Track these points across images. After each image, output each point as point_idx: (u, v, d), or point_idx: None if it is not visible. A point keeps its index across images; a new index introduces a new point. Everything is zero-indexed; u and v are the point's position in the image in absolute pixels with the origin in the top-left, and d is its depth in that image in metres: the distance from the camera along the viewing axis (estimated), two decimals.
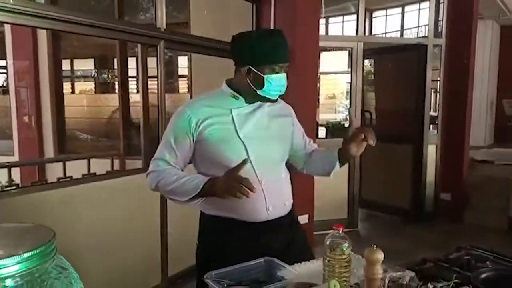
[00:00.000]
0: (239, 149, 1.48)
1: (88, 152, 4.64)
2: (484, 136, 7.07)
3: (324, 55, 8.32)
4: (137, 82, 2.83)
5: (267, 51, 1.45)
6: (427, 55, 4.72)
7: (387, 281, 1.11)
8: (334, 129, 6.97)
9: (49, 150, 4.59)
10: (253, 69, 1.46)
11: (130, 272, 2.81)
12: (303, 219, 3.80)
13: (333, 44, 4.87)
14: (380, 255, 1.06)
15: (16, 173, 4.11)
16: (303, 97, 3.68)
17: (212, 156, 1.49)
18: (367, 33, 8.16)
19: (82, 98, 5.70)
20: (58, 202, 2.44)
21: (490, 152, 6.10)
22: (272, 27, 3.75)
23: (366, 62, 5.85)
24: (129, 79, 4.53)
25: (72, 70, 5.65)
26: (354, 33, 4.63)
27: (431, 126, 5.16)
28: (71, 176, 2.81)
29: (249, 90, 1.50)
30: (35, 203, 2.36)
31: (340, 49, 5.42)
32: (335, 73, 7.98)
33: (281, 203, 1.57)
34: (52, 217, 2.38)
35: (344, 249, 1.07)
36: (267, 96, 1.50)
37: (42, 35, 4.46)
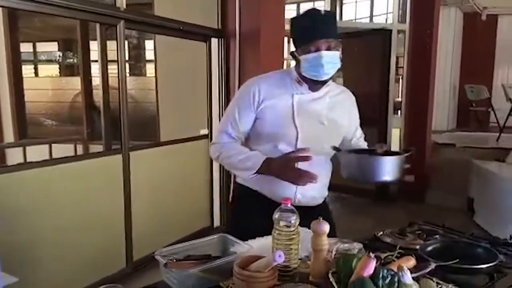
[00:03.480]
0: (291, 135, 1.50)
1: (52, 137, 4.51)
2: (447, 120, 7.30)
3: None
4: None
5: (299, 31, 1.44)
6: (391, 40, 4.80)
7: (334, 253, 1.13)
8: None
9: (9, 135, 4.42)
10: (294, 53, 1.46)
11: (94, 256, 2.78)
12: None
13: None
14: (326, 227, 1.09)
15: None
16: None
17: (265, 134, 1.52)
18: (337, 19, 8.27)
19: (45, 82, 5.50)
20: (16, 186, 2.37)
21: (452, 135, 6.32)
22: (237, 8, 3.71)
23: None
24: (93, 62, 4.42)
25: (35, 52, 5.44)
26: None
27: (398, 111, 5.28)
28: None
29: (301, 75, 1.49)
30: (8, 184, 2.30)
31: None
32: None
33: (311, 195, 1.59)
34: (11, 201, 2.31)
35: (292, 221, 1.09)
36: (313, 77, 1.45)
37: None
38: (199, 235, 3.71)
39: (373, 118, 5.16)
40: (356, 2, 11.12)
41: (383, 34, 4.85)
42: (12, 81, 4.40)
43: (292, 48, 1.52)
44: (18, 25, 4.44)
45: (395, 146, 5.19)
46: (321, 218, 1.12)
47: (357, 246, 1.24)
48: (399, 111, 5.22)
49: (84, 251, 2.72)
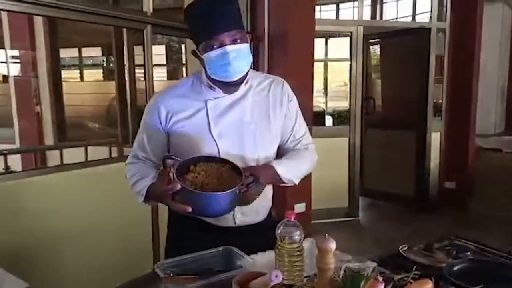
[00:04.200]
0: (211, 149, 1.29)
1: (92, 140, 4.66)
2: (494, 123, 6.87)
3: (333, 41, 8.16)
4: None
5: (196, 24, 1.20)
6: (430, 39, 4.57)
7: (342, 272, 1.05)
8: (338, 117, 6.90)
9: (50, 138, 4.61)
10: (196, 51, 1.25)
11: (122, 258, 2.82)
12: (299, 207, 3.76)
13: (331, 29, 4.75)
14: (332, 245, 1.01)
15: (18, 160, 4.16)
16: (297, 85, 3.59)
17: (184, 152, 1.27)
18: (378, 18, 8.00)
19: (86, 86, 5.71)
20: (48, 188, 2.45)
21: (499, 140, 5.94)
22: (266, 11, 3.66)
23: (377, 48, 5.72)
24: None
25: (80, 58, 5.66)
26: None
27: (439, 113, 5.02)
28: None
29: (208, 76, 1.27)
30: (29, 188, 2.38)
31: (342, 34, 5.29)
32: (339, 60, 7.82)
33: (254, 210, 1.37)
34: (42, 203, 2.40)
35: (296, 237, 1.02)
36: (223, 79, 1.24)
37: (39, 24, 4.44)
38: None
39: (411, 121, 4.94)
40: (397, 0, 10.77)
41: (421, 33, 4.63)
42: (52, 85, 4.59)
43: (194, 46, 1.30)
44: (57, 31, 4.63)
45: (435, 150, 4.93)
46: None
47: (370, 265, 1.14)
48: (440, 113, 4.96)
49: (111, 253, 2.76)
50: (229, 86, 1.29)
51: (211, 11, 1.18)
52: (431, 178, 4.91)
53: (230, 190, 1.10)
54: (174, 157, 1.21)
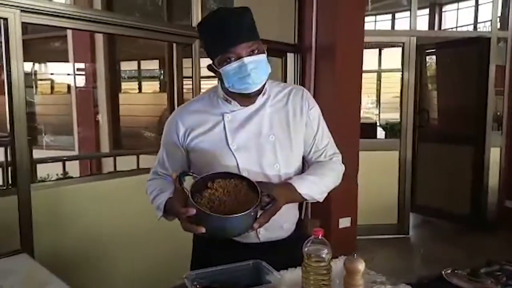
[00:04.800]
0: (229, 162, 1.27)
1: (144, 149, 4.87)
2: None
3: (387, 52, 7.96)
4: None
5: (210, 39, 1.19)
6: (490, 49, 4.31)
7: None
8: (391, 129, 6.68)
9: (105, 146, 4.89)
10: (212, 65, 1.24)
11: (166, 265, 2.89)
12: (344, 222, 3.66)
13: (382, 40, 4.63)
14: (360, 265, 0.97)
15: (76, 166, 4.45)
16: (344, 97, 3.55)
17: (203, 167, 1.28)
18: (436, 27, 7.68)
19: (146, 97, 6.00)
20: (101, 193, 2.59)
21: None
22: (314, 22, 3.65)
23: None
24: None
25: (139, 70, 5.98)
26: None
27: (499, 127, 4.71)
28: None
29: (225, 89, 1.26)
30: (84, 193, 2.52)
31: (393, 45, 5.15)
32: (392, 71, 7.59)
33: (277, 225, 1.31)
34: (94, 208, 2.54)
35: (324, 255, 1.00)
36: (241, 91, 1.22)
37: (99, 39, 4.75)
38: None
39: (468, 135, 4.67)
40: (457, 9, 10.30)
41: (481, 43, 4.38)
42: (109, 96, 4.88)
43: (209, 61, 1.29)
44: (116, 45, 4.91)
45: (494, 166, 4.61)
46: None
47: None
48: (500, 127, 4.65)
49: (157, 261, 2.84)
50: (246, 98, 1.27)
51: (225, 24, 1.16)
52: (489, 196, 4.59)
53: (245, 213, 1.07)
54: (191, 174, 1.22)
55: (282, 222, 1.34)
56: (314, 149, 1.38)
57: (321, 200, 1.33)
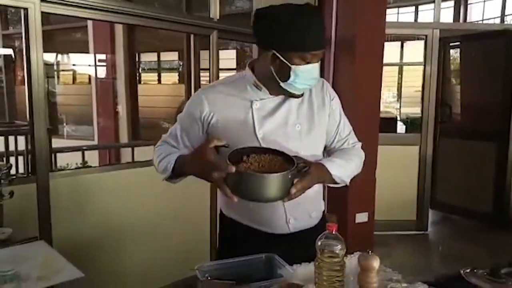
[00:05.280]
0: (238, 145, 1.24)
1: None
2: None
3: (409, 44, 7.78)
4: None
5: (296, 35, 1.17)
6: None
7: None
8: (411, 124, 6.56)
9: (124, 136, 4.94)
10: (279, 56, 1.19)
11: (178, 256, 2.91)
12: (361, 217, 3.61)
13: (404, 32, 4.51)
14: (375, 262, 0.95)
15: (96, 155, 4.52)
16: (364, 91, 3.48)
17: (223, 151, 1.23)
18: (461, 20, 7.45)
19: (165, 88, 6.04)
20: (119, 183, 2.62)
21: None
22: (334, 14, 3.58)
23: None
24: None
25: (159, 61, 6.01)
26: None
27: None
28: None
29: (271, 80, 1.24)
30: (102, 183, 2.56)
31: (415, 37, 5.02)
32: (414, 64, 7.41)
33: (306, 214, 1.36)
34: (111, 197, 2.57)
35: (337, 251, 0.97)
36: (291, 91, 1.24)
37: (119, 30, 4.78)
38: None
39: (492, 131, 4.53)
40: (484, 1, 9.98)
41: (508, 36, 4.23)
42: (129, 87, 4.92)
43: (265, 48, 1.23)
44: (135, 37, 4.94)
45: None
46: None
47: (419, 287, 1.06)
48: None
49: (170, 250, 2.87)
50: (279, 89, 1.26)
51: (312, 25, 1.18)
52: None
53: (283, 173, 1.08)
54: (226, 146, 1.19)
55: (311, 211, 1.37)
56: (338, 138, 1.42)
57: (348, 183, 1.37)
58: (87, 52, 5.21)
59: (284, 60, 1.19)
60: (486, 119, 4.67)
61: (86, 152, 3.97)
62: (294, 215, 1.32)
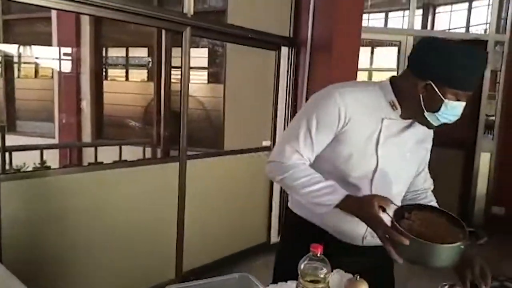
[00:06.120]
0: (368, 166, 1.28)
1: (129, 139, 4.70)
2: None
3: (380, 50, 7.87)
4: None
5: (463, 74, 1.18)
6: (487, 51, 4.25)
7: None
8: None
9: (87, 135, 4.69)
10: (434, 87, 1.19)
11: (142, 263, 2.76)
12: None
13: (379, 37, 4.53)
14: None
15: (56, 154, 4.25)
16: None
17: (337, 158, 1.28)
18: (429, 28, 7.59)
19: (133, 85, 5.78)
20: (79, 186, 2.42)
21: None
22: (310, 16, 3.52)
23: None
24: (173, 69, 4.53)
25: (127, 57, 5.75)
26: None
27: (490, 132, 4.67)
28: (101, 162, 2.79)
29: (413, 105, 1.24)
30: (60, 186, 2.35)
31: (390, 43, 5.05)
32: (385, 70, 7.50)
33: None
34: (72, 201, 2.37)
35: (321, 275, 0.87)
36: (432, 121, 1.25)
37: (85, 23, 4.54)
38: (255, 251, 3.53)
39: (459, 139, 4.60)
40: (451, 11, 10.27)
41: (476, 45, 4.31)
42: (93, 83, 4.68)
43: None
44: (102, 30, 4.71)
45: (484, 171, 4.57)
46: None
47: None
48: (492, 132, 4.60)
49: (132, 257, 2.70)
50: (419, 121, 1.29)
51: (478, 70, 1.20)
52: (477, 202, 4.55)
53: (457, 244, 1.06)
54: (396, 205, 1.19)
55: None
56: (423, 174, 1.47)
57: None
58: (50, 45, 4.92)
59: (439, 93, 1.19)
60: (454, 127, 4.72)
61: (45, 151, 3.72)
62: (372, 233, 1.25)
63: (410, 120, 1.31)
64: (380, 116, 1.27)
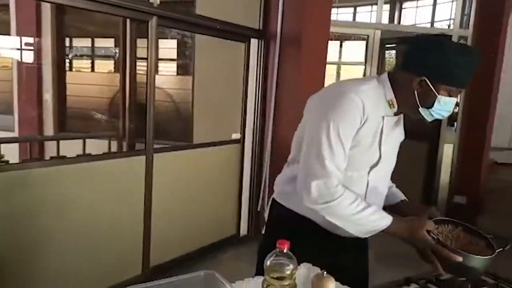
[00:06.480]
0: (369, 162, 1.33)
1: (94, 132, 4.55)
2: (509, 136, 6.63)
3: (348, 44, 7.95)
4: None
5: (458, 71, 1.21)
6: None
7: None
8: None
9: (50, 128, 4.51)
10: (429, 83, 1.22)
11: (108, 260, 2.68)
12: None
13: (347, 31, 4.56)
14: (330, 284, 0.85)
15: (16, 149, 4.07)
16: (308, 87, 3.44)
17: (347, 160, 1.30)
18: (395, 23, 7.73)
19: (99, 77, 5.59)
20: (40, 181, 2.31)
21: None
22: (280, 9, 3.50)
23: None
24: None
25: (92, 48, 5.54)
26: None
27: (453, 124, 4.82)
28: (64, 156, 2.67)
29: (408, 101, 1.27)
30: (19, 181, 2.23)
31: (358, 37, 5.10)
32: (353, 64, 7.61)
33: None
34: (27, 198, 2.26)
35: (288, 272, 0.86)
36: (426, 117, 1.29)
37: (46, 12, 4.34)
38: (225, 243, 3.50)
39: (422, 131, 4.72)
40: (417, 7, 10.51)
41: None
42: (56, 74, 4.49)
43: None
44: (65, 20, 4.51)
45: (447, 162, 4.72)
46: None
47: None
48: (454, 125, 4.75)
49: (97, 254, 2.62)
50: (413, 115, 1.33)
51: (472, 69, 1.23)
52: (440, 192, 4.70)
53: (495, 254, 1.20)
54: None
55: None
56: None
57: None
58: (9, 34, 4.67)
59: (433, 89, 1.23)
60: (416, 120, 4.84)
61: (3, 146, 3.54)
62: None
63: (398, 116, 1.37)
64: (381, 114, 1.30)
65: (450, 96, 1.24)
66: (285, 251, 0.87)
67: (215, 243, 3.52)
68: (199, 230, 3.38)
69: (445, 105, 1.25)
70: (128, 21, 2.66)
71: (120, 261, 2.77)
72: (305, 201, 1.24)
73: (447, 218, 1.32)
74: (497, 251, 1.21)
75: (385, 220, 1.25)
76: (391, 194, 1.53)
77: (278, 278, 0.86)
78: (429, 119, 1.29)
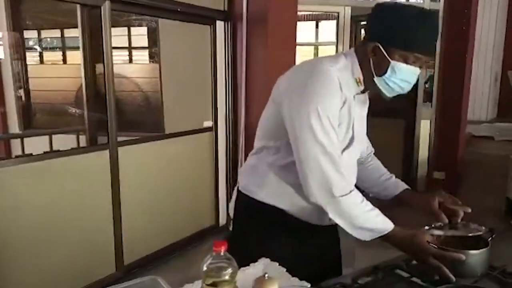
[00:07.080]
0: (343, 143, 1.26)
1: (62, 127, 4.37)
2: (486, 109, 6.65)
3: (324, 24, 7.85)
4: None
5: (411, 35, 1.13)
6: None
7: None
8: None
9: (14, 125, 4.31)
10: (381, 48, 1.16)
11: (79, 260, 2.57)
12: None
13: (316, 9, 4.44)
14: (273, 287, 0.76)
15: None
16: (277, 70, 3.32)
17: None
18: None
19: (71, 69, 5.36)
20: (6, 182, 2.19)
21: (491, 127, 5.72)
22: None
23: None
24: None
25: (63, 39, 5.30)
26: None
27: (429, 100, 4.79)
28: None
29: (368, 73, 1.21)
30: None
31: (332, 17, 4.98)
32: (328, 44, 7.51)
33: None
34: None
35: (227, 277, 0.77)
36: (383, 89, 1.21)
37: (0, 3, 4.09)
38: (204, 235, 3.40)
39: (399, 108, 4.68)
40: None
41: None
42: (18, 68, 4.27)
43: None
44: (21, 9, 4.28)
45: (424, 138, 4.70)
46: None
47: None
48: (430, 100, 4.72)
49: (67, 254, 2.51)
50: (372, 90, 1.28)
51: (435, 32, 1.19)
52: (419, 168, 4.70)
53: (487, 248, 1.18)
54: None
55: None
56: (366, 140, 1.52)
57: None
58: None
59: (386, 55, 1.16)
60: (393, 97, 4.81)
61: None
62: None
63: (365, 94, 1.32)
64: (352, 93, 1.24)
65: (407, 63, 1.15)
66: (222, 253, 0.78)
67: (194, 235, 3.44)
68: (176, 223, 3.29)
69: (400, 73, 1.16)
70: (78, 6, 2.47)
71: (93, 260, 2.66)
72: (316, 197, 1.17)
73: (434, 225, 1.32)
74: (489, 240, 1.21)
75: (385, 224, 1.22)
76: (392, 184, 1.51)
77: (215, 284, 0.77)
78: (387, 92, 1.21)
